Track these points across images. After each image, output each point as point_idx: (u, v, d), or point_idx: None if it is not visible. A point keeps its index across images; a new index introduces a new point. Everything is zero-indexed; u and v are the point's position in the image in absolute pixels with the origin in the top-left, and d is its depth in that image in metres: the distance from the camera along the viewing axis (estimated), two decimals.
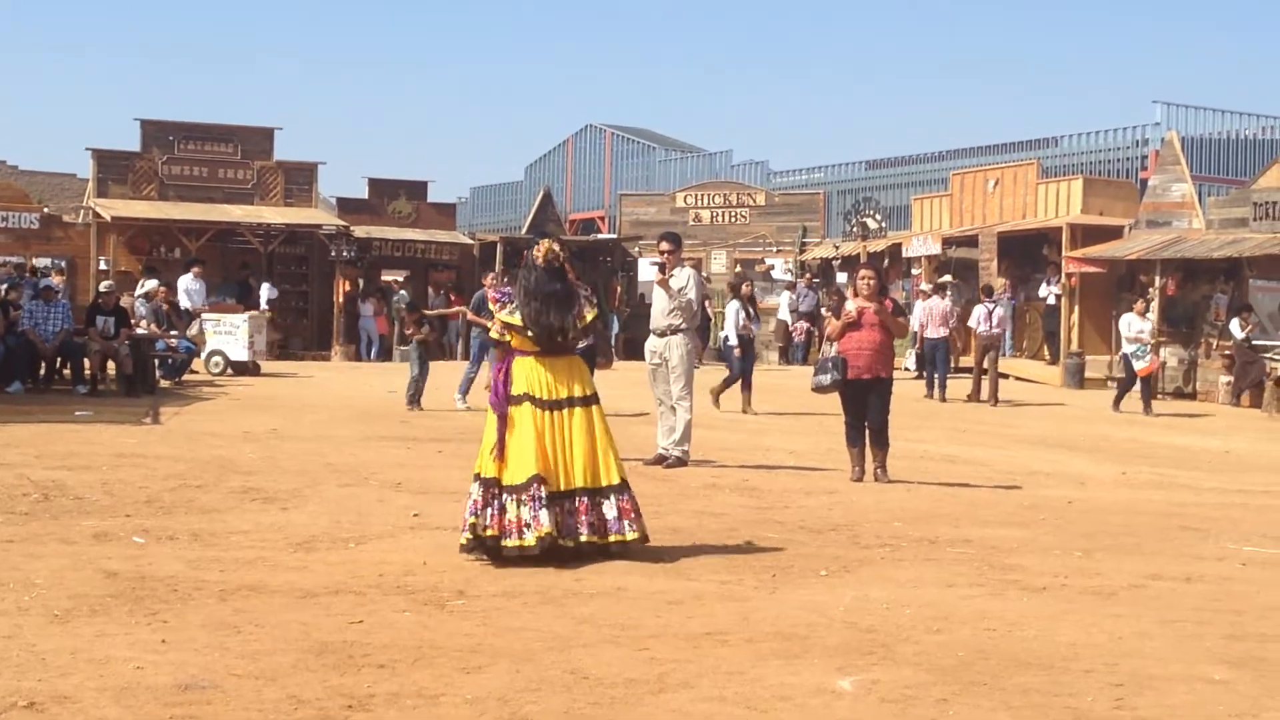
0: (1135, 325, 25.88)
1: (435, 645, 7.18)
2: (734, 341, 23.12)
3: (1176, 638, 7.85)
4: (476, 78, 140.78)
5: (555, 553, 9.42)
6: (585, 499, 9.61)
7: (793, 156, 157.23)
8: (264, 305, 36.36)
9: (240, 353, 28.46)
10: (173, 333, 26.09)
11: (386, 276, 39.70)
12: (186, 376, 25.99)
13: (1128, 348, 25.92)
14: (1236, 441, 22.11)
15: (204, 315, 29.36)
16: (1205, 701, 6.61)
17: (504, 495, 9.48)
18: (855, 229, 39.65)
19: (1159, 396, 29.49)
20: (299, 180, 38.41)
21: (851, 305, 14.72)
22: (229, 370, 28.16)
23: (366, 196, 39.98)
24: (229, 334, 28.58)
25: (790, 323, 38.34)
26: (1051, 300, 34.27)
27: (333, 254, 36.69)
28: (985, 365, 27.46)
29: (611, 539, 9.64)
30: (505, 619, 7.84)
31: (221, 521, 10.80)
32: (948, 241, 36.90)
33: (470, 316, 22.60)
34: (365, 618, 7.74)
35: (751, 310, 23.73)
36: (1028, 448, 19.63)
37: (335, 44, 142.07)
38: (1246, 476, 17.42)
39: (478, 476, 9.64)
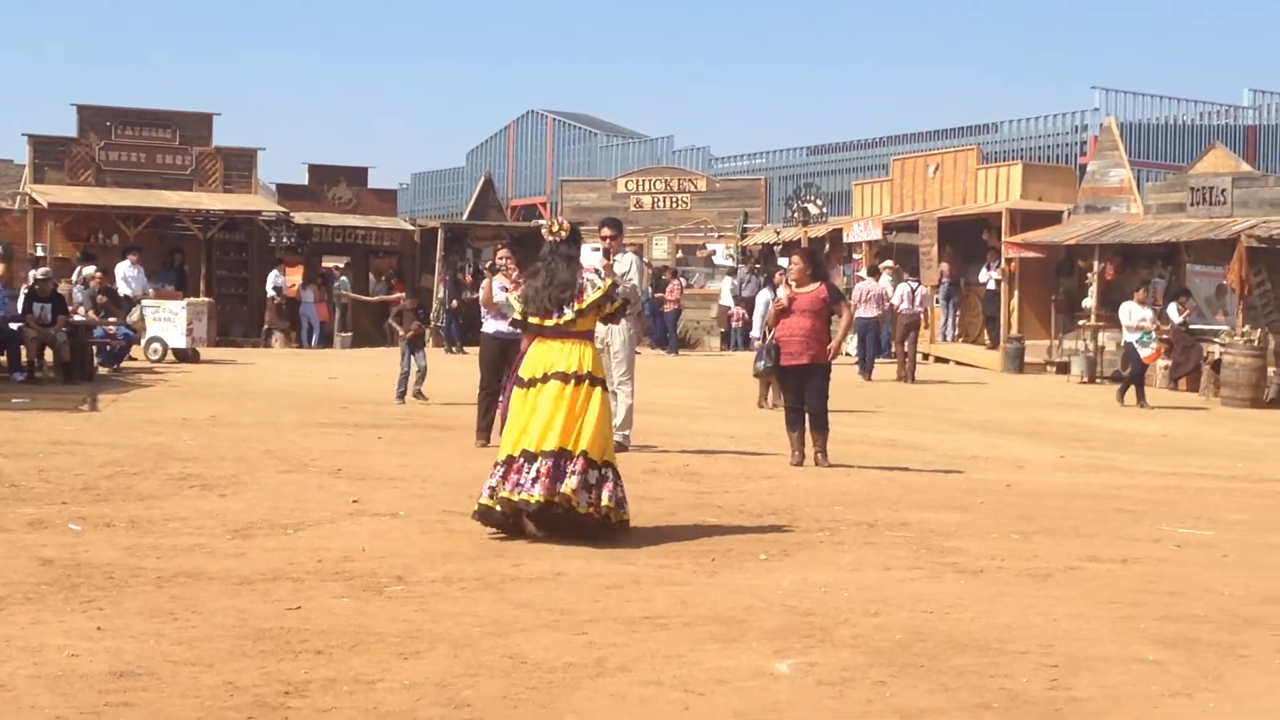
0: (1136, 313, 25.28)
1: (373, 631, 7.17)
2: (755, 334, 21.62)
3: (1111, 619, 7.91)
4: (417, 64, 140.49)
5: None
6: (550, 461, 9.74)
7: (734, 142, 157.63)
8: (271, 293, 36.19)
9: (179, 339, 28.26)
10: (111, 319, 25.89)
11: (327, 263, 39.51)
12: (125, 364, 25.79)
13: (1130, 336, 25.24)
14: (1174, 425, 22.27)
15: (143, 302, 29.15)
16: (1139, 682, 6.67)
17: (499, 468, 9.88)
18: (796, 214, 39.70)
19: (1097, 381, 29.74)
20: (238, 166, 38.16)
21: (783, 292, 14.81)
22: (168, 357, 27.98)
23: (307, 183, 39.79)
24: (168, 320, 28.37)
25: (730, 308, 38.41)
26: (991, 285, 34.45)
27: (273, 240, 36.51)
28: (906, 345, 28.38)
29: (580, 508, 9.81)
30: (444, 604, 7.83)
31: (159, 508, 10.73)
32: (888, 227, 37.04)
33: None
34: (303, 604, 7.71)
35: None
36: (967, 432, 19.73)
37: (274, 29, 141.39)
38: (1183, 460, 17.54)
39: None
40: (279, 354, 33.19)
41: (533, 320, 10.28)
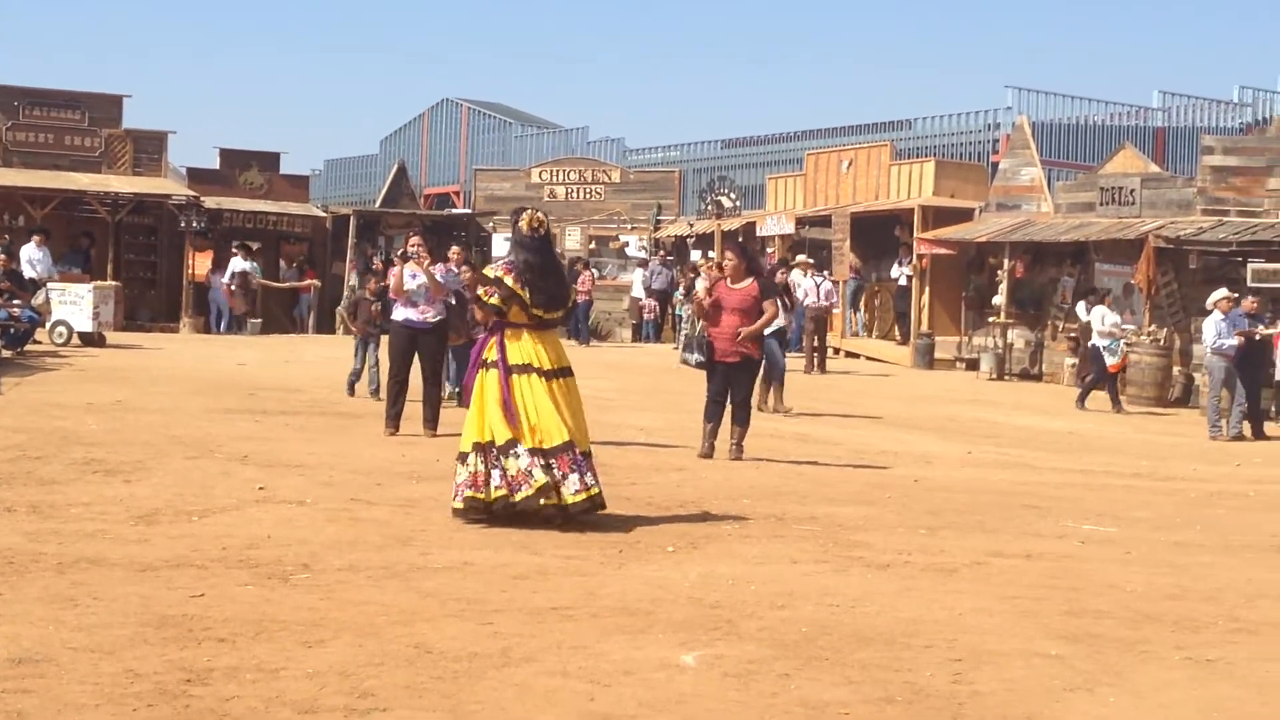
0: (1109, 319, 25.28)
1: (277, 619, 7.12)
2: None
3: (1015, 614, 7.97)
4: (332, 49, 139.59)
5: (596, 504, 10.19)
6: (587, 459, 10.28)
7: (649, 134, 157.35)
8: (225, 280, 35.79)
9: (85, 323, 27.93)
10: (15, 302, 25.54)
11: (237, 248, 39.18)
12: (29, 347, 25.47)
13: (1100, 341, 25.11)
14: (1080, 423, 22.49)
15: (49, 285, 28.78)
16: (1041, 676, 6.72)
17: (535, 457, 9.98)
18: (710, 207, 39.75)
19: (1006, 378, 29.99)
20: (148, 149, 37.71)
21: (700, 284, 14.89)
22: (74, 341, 27.65)
23: (218, 167, 39.42)
24: (74, 304, 28.03)
25: (642, 300, 38.39)
26: (903, 281, 34.63)
27: (182, 224, 36.13)
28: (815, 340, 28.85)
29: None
30: (349, 593, 7.79)
31: (61, 493, 10.61)
32: (801, 221, 37.15)
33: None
34: (207, 591, 7.65)
35: (787, 301, 21.53)
36: (877, 427, 19.83)
37: (186, 10, 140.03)
38: (1088, 457, 17.72)
39: (482, 444, 10.05)
40: (187, 339, 32.87)
41: (537, 312, 10.38)
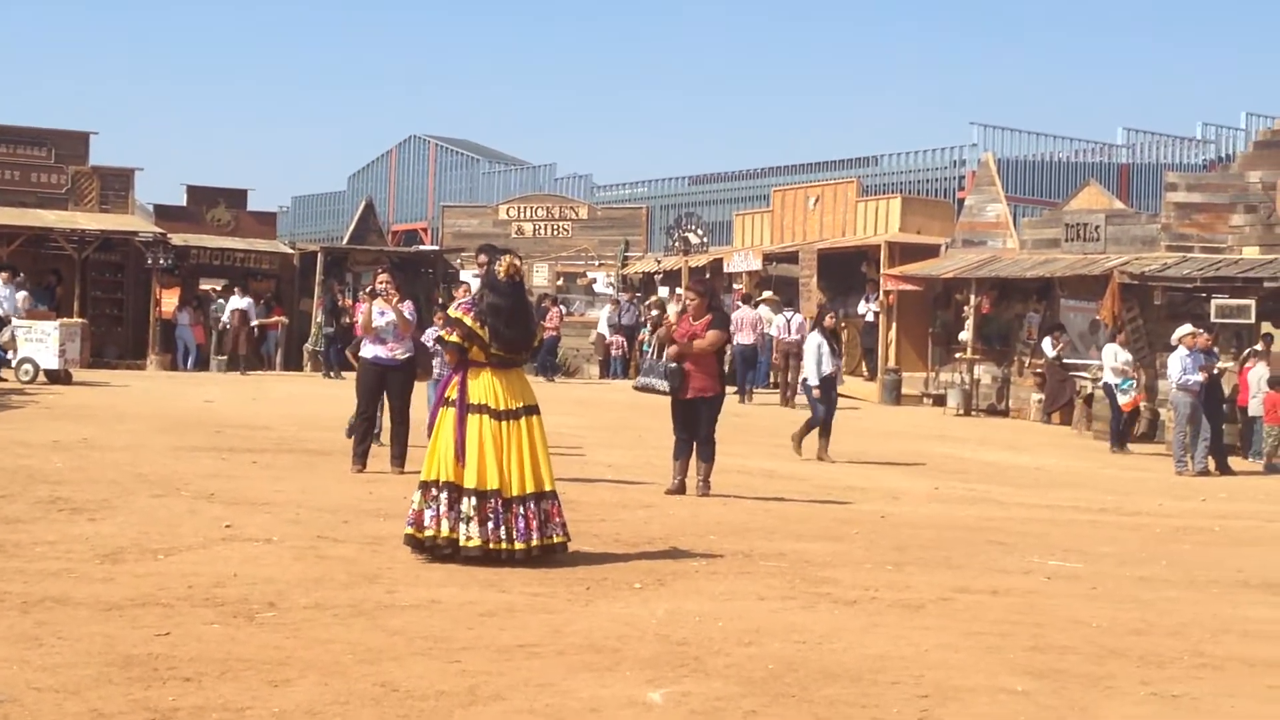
0: (1121, 356, 24.94)
1: (243, 658, 7.09)
2: (814, 381, 20.47)
3: (981, 650, 7.98)
4: (299, 86, 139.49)
5: (495, 556, 9.99)
6: (532, 504, 10.17)
7: (616, 171, 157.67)
8: (223, 319, 35.70)
9: (51, 360, 27.82)
10: None
11: (205, 285, 39.10)
12: None
13: (1112, 379, 24.76)
14: (1046, 458, 22.54)
15: (15, 322, 28.67)
16: (1006, 712, 6.73)
17: (464, 499, 10.02)
18: (677, 244, 39.83)
19: (973, 414, 30.05)
20: (115, 186, 37.59)
21: (673, 309, 14.99)
22: (40, 378, 27.54)
23: (185, 204, 39.30)
24: (40, 341, 27.91)
25: (608, 336, 38.41)
26: (870, 317, 34.71)
27: (149, 261, 36.04)
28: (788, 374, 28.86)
29: (555, 540, 10.32)
30: (316, 631, 7.77)
31: (26, 532, 10.56)
32: (769, 257, 37.23)
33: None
34: (172, 630, 7.62)
35: (836, 345, 21.17)
36: (844, 462, 19.83)
37: (153, 47, 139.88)
38: (1054, 492, 17.76)
39: (436, 482, 10.11)
40: (153, 376, 32.77)
41: (497, 352, 10.42)
